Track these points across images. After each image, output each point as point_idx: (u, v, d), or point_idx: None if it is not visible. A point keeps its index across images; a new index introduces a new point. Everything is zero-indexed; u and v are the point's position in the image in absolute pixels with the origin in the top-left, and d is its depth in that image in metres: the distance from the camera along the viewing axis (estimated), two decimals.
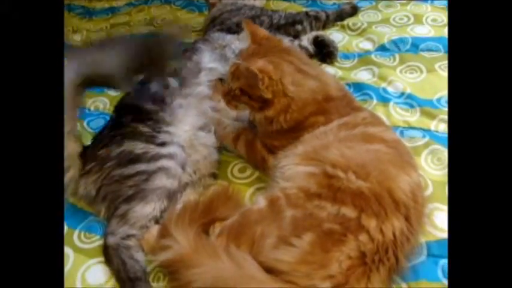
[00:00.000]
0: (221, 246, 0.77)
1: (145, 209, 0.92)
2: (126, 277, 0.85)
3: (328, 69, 1.36)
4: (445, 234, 0.85)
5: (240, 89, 0.95)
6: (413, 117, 1.13)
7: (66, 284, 0.87)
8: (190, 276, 0.75)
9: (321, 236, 0.73)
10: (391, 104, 1.18)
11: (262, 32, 1.03)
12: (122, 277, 0.85)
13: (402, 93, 1.20)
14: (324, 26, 1.57)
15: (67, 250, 0.93)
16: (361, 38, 1.47)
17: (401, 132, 1.09)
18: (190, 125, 1.06)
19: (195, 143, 1.05)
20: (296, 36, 1.50)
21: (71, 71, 0.90)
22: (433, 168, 0.99)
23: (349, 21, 1.56)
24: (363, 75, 1.31)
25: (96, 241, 0.94)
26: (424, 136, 1.06)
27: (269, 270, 0.74)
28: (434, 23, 1.44)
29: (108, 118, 1.16)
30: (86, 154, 1.00)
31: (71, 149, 0.97)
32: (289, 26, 1.52)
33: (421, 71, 1.26)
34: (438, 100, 1.15)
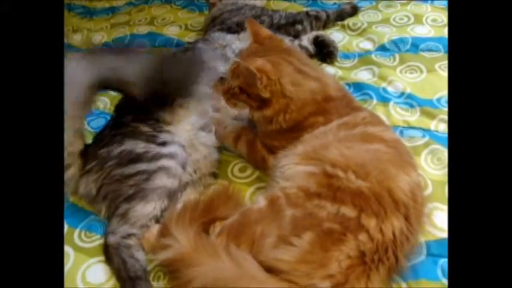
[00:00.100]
0: (221, 246, 0.77)
1: (146, 208, 0.92)
2: (126, 276, 0.85)
3: (329, 69, 1.36)
4: (444, 234, 0.85)
5: (239, 87, 0.95)
6: (413, 117, 1.13)
7: (66, 283, 0.87)
8: (190, 275, 0.75)
9: (320, 236, 0.73)
10: (391, 103, 1.18)
11: (265, 31, 1.03)
12: (122, 276, 0.85)
13: (402, 93, 1.20)
14: (324, 26, 1.57)
15: (67, 249, 0.93)
16: (361, 38, 1.47)
17: (401, 132, 1.09)
18: (191, 125, 1.07)
19: (195, 142, 1.05)
20: (296, 36, 1.50)
21: (89, 72, 0.91)
22: (432, 168, 0.99)
23: (350, 21, 1.56)
24: (363, 75, 1.31)
25: (97, 240, 0.94)
26: (423, 136, 1.07)
27: (269, 269, 0.74)
28: (434, 23, 1.44)
29: (108, 118, 1.16)
30: (87, 153, 1.00)
31: (75, 146, 0.98)
32: (290, 25, 1.53)
33: (421, 71, 1.26)
34: (438, 100, 1.16)
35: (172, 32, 1.78)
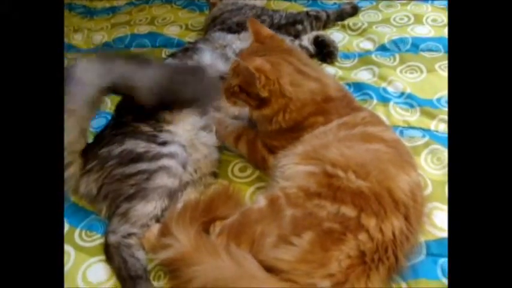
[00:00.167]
0: (221, 245, 0.78)
1: (147, 208, 0.92)
2: (127, 275, 0.85)
3: (329, 69, 1.36)
4: (444, 234, 0.85)
5: (239, 86, 0.95)
6: (413, 117, 1.13)
7: (67, 282, 0.87)
8: (190, 274, 0.75)
9: (320, 235, 0.73)
10: (391, 103, 1.18)
11: (266, 30, 1.04)
12: (123, 275, 0.86)
13: (402, 93, 1.21)
14: (325, 26, 1.57)
15: (68, 248, 0.94)
16: (361, 38, 1.48)
17: (401, 132, 1.09)
18: (191, 125, 1.07)
19: (196, 142, 1.05)
20: (297, 36, 1.50)
21: (101, 75, 0.92)
22: (432, 167, 0.99)
23: (350, 21, 1.56)
24: (363, 75, 1.31)
25: (97, 239, 0.95)
26: (423, 136, 1.07)
27: (269, 269, 0.74)
28: (434, 23, 1.44)
29: (109, 117, 1.17)
30: (88, 153, 1.00)
31: (78, 145, 0.98)
32: (290, 25, 1.53)
33: (421, 71, 1.26)
34: (438, 100, 1.16)
35: (172, 31, 1.78)
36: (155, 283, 0.86)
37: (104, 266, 0.89)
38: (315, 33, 1.49)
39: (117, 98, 1.20)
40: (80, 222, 0.99)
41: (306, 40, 1.44)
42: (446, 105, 1.13)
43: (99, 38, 1.84)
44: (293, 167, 0.85)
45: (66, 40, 1.85)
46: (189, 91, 1.04)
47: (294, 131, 0.93)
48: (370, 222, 0.74)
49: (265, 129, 0.98)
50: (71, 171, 0.98)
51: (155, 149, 0.98)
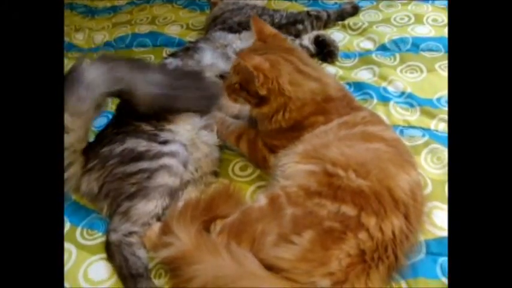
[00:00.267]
0: (222, 244, 0.78)
1: (148, 207, 0.93)
2: (128, 273, 0.85)
3: (329, 68, 1.37)
4: (444, 233, 0.85)
5: (239, 84, 0.96)
6: (413, 117, 1.14)
7: (68, 280, 0.88)
8: (191, 272, 0.75)
9: (321, 234, 0.74)
10: (391, 103, 1.18)
11: (269, 29, 1.04)
12: (124, 273, 0.86)
13: (402, 93, 1.21)
14: (325, 26, 1.57)
15: (70, 246, 0.94)
16: (361, 38, 1.48)
17: (401, 131, 1.09)
18: (192, 124, 1.07)
19: (197, 141, 1.06)
20: (297, 35, 1.51)
21: (106, 79, 0.94)
22: (432, 167, 0.99)
23: (350, 21, 1.56)
24: (364, 75, 1.31)
25: (99, 238, 0.95)
26: (423, 135, 1.07)
27: (269, 267, 0.75)
28: (434, 23, 1.44)
29: (110, 116, 1.17)
30: (89, 152, 1.01)
31: (80, 145, 0.99)
32: (291, 25, 1.53)
33: (421, 71, 1.26)
34: (438, 100, 1.16)
35: (173, 31, 1.78)
36: (156, 281, 0.86)
37: (105, 264, 0.90)
38: (315, 32, 1.49)
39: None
40: (81, 221, 1.00)
41: (307, 40, 1.44)
42: (446, 104, 1.13)
43: (101, 37, 1.84)
44: (293, 166, 0.85)
45: (67, 39, 1.85)
46: (188, 97, 1.05)
47: (295, 130, 0.94)
48: (370, 221, 0.74)
49: (266, 128, 0.98)
50: (72, 170, 0.98)
51: (156, 148, 0.98)
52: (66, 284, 0.87)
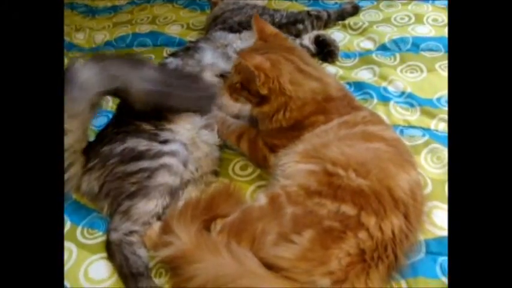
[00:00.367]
0: (222, 243, 0.78)
1: (148, 206, 0.93)
2: (128, 272, 0.85)
3: (329, 68, 1.37)
4: (443, 232, 0.86)
5: (240, 83, 0.96)
6: (413, 116, 1.14)
7: (69, 279, 0.88)
8: (191, 271, 0.76)
9: (320, 233, 0.74)
10: (391, 103, 1.18)
11: (270, 28, 1.04)
12: (124, 272, 0.86)
13: (402, 93, 1.21)
14: (325, 25, 1.57)
15: (70, 246, 0.94)
16: (362, 38, 1.48)
17: (401, 131, 1.10)
18: (193, 123, 1.07)
19: (197, 140, 1.06)
20: (297, 35, 1.51)
21: (100, 79, 0.93)
22: (432, 166, 1.00)
23: (351, 21, 1.57)
24: (364, 75, 1.32)
25: (99, 237, 0.95)
26: (423, 135, 1.07)
27: (269, 266, 0.75)
28: (435, 23, 1.45)
29: (110, 116, 1.17)
30: (89, 151, 1.01)
31: (80, 145, 0.99)
32: (291, 25, 1.53)
33: (422, 71, 1.27)
34: (438, 99, 1.16)
35: (174, 31, 1.79)
36: (156, 280, 0.86)
37: (106, 263, 0.90)
38: (315, 32, 1.49)
39: None
40: (81, 220, 1.00)
41: (307, 39, 1.44)
42: (446, 104, 1.14)
43: (101, 37, 1.84)
44: (294, 166, 0.85)
45: (68, 39, 1.86)
46: (184, 95, 1.05)
47: (295, 130, 0.94)
48: (370, 221, 0.74)
49: (266, 127, 0.99)
50: (73, 171, 0.98)
51: (156, 147, 0.99)
52: (66, 283, 0.87)
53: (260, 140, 1.02)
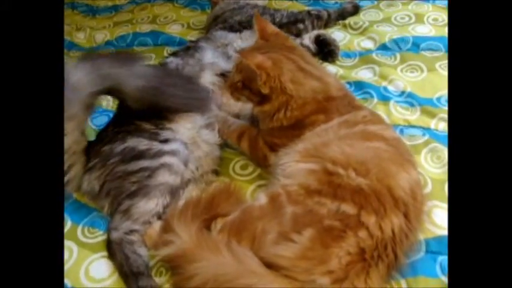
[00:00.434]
0: (222, 242, 0.78)
1: (148, 205, 0.93)
2: (129, 271, 0.85)
3: (330, 67, 1.37)
4: (443, 232, 0.86)
5: (241, 82, 0.96)
6: (414, 116, 1.14)
7: (70, 277, 0.88)
8: (192, 270, 0.76)
9: (321, 232, 0.74)
10: (391, 102, 1.18)
11: (271, 27, 1.04)
12: (125, 271, 0.86)
13: (403, 92, 1.21)
14: (326, 25, 1.58)
15: (71, 245, 0.94)
16: (362, 37, 1.48)
17: (402, 131, 1.10)
18: (193, 123, 1.07)
19: (197, 140, 1.06)
20: (298, 34, 1.51)
21: (92, 79, 0.93)
22: (432, 166, 1.00)
23: (351, 20, 1.57)
24: (364, 74, 1.32)
25: (100, 236, 0.95)
26: (424, 134, 1.07)
27: (270, 265, 0.75)
28: (435, 23, 1.45)
29: (111, 115, 1.17)
30: (90, 150, 1.01)
31: (80, 145, 0.99)
32: (291, 24, 1.53)
33: (422, 70, 1.27)
34: (438, 99, 1.16)
35: (174, 30, 1.79)
36: (157, 279, 0.86)
37: (106, 262, 0.90)
38: (316, 32, 1.49)
39: None
40: (82, 219, 1.00)
41: (307, 39, 1.45)
42: (446, 104, 1.14)
43: (102, 36, 1.84)
44: (294, 165, 0.85)
45: (68, 38, 1.86)
46: (178, 94, 1.04)
47: (295, 129, 0.94)
48: (370, 220, 0.74)
49: (267, 126, 0.99)
50: (73, 172, 0.98)
51: (157, 146, 0.99)
52: (67, 282, 0.87)
53: (260, 139, 1.02)
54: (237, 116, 1.15)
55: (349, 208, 0.75)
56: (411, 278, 0.80)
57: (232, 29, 1.48)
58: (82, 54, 1.27)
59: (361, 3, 1.66)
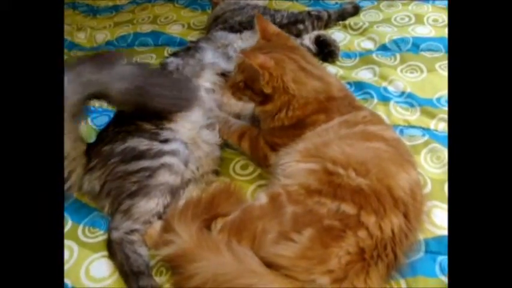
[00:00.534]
0: (223, 241, 0.78)
1: (149, 205, 0.93)
2: (129, 271, 0.86)
3: (330, 68, 1.37)
4: (443, 232, 0.86)
5: (243, 82, 0.96)
6: (413, 116, 1.14)
7: (70, 277, 0.88)
8: (192, 270, 0.76)
9: (320, 232, 0.74)
10: (391, 103, 1.19)
11: (273, 28, 1.05)
12: (125, 271, 0.86)
13: (403, 93, 1.21)
14: (326, 26, 1.58)
15: (72, 244, 0.95)
16: (362, 38, 1.48)
17: (401, 131, 1.10)
18: (193, 123, 1.08)
19: (197, 140, 1.06)
20: (298, 35, 1.51)
21: (76, 87, 0.92)
22: (432, 166, 1.00)
23: (351, 21, 1.57)
24: (364, 75, 1.32)
25: (100, 236, 0.96)
26: (423, 135, 1.08)
27: (270, 265, 0.75)
28: (435, 23, 1.45)
29: (112, 115, 1.18)
30: (90, 151, 1.01)
31: (77, 150, 0.99)
32: (292, 25, 1.53)
33: (422, 71, 1.27)
34: (438, 99, 1.17)
35: (175, 30, 1.79)
36: (157, 279, 0.87)
37: (107, 262, 0.90)
38: (316, 32, 1.49)
39: None
40: (83, 219, 1.00)
41: (308, 39, 1.45)
42: (446, 104, 1.14)
43: (102, 36, 1.85)
44: (294, 165, 0.85)
45: (69, 38, 1.86)
46: (164, 94, 1.03)
47: (296, 129, 0.94)
48: (370, 220, 0.74)
49: (268, 126, 0.99)
50: (74, 178, 0.99)
51: (157, 146, 0.99)
52: (68, 282, 0.88)
53: (261, 138, 1.02)
54: (238, 116, 1.15)
55: (349, 208, 0.75)
56: (411, 278, 0.80)
57: (232, 29, 1.48)
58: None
59: (361, 4, 1.66)
